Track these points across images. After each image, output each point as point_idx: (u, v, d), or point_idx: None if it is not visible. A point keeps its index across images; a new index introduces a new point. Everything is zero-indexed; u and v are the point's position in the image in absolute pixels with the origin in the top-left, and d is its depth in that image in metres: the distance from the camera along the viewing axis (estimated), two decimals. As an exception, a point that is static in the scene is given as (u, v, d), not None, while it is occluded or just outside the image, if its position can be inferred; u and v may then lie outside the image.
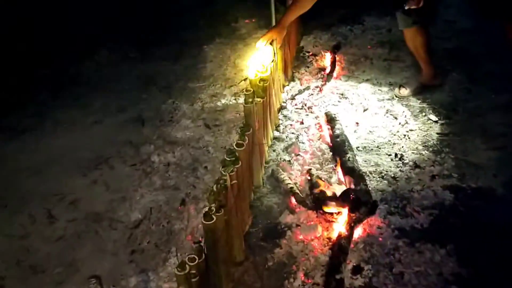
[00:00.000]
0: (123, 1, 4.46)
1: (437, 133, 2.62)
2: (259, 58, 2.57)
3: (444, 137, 2.58)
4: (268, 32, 2.65)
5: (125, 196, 2.42)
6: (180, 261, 1.62)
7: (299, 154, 2.55)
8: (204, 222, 1.67)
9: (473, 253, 1.92)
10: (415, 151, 2.51)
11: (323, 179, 2.29)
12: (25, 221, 2.33)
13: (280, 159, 2.53)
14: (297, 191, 2.25)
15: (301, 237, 2.05)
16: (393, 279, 1.84)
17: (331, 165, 2.45)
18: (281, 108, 2.94)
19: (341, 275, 1.82)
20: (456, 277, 1.83)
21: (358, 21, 3.91)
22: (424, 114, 2.78)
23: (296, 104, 2.98)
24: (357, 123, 2.76)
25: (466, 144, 2.51)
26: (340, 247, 1.92)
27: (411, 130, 2.66)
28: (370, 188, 2.22)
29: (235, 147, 1.99)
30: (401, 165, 2.42)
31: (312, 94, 3.07)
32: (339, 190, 2.18)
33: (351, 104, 2.94)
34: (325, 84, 3.15)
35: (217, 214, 1.68)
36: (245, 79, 3.25)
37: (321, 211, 2.13)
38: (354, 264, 1.90)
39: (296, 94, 3.08)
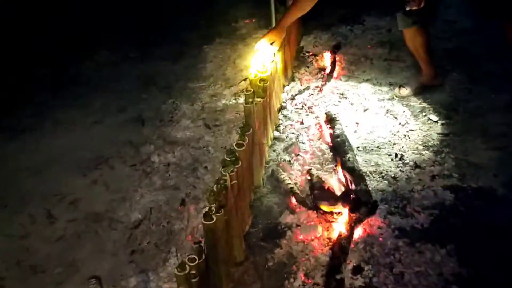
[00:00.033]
0: (123, 1, 4.46)
1: (438, 133, 2.62)
2: (259, 58, 2.57)
3: (445, 137, 2.58)
4: (268, 34, 2.65)
5: (125, 196, 2.41)
6: (180, 261, 1.62)
7: (299, 154, 2.55)
8: (204, 222, 1.67)
9: (474, 253, 1.92)
10: (415, 151, 2.50)
11: (323, 179, 2.29)
12: (25, 221, 2.33)
13: (280, 159, 2.53)
14: (297, 191, 2.25)
15: (301, 237, 2.05)
16: (393, 279, 1.84)
17: (331, 165, 2.44)
18: (281, 108, 2.94)
19: (342, 275, 1.81)
20: (456, 277, 1.83)
21: (358, 21, 3.90)
22: (424, 114, 2.78)
23: (296, 104, 2.98)
24: (357, 123, 2.76)
25: (466, 144, 2.51)
26: (340, 247, 1.92)
27: (412, 130, 2.66)
28: (370, 188, 2.22)
29: (235, 147, 1.99)
30: (402, 165, 2.42)
31: (312, 94, 3.06)
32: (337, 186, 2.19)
33: (351, 104, 2.94)
34: (325, 84, 3.14)
35: (217, 214, 1.68)
36: (245, 79, 3.25)
37: (321, 211, 2.13)
38: (355, 264, 1.90)
39: (296, 94, 3.08)
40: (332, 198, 2.14)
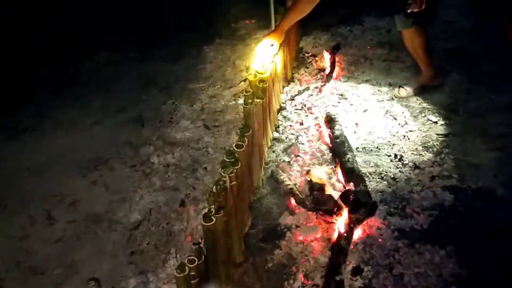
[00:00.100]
0: (123, 1, 4.46)
1: (437, 134, 2.62)
2: (258, 60, 2.57)
3: (444, 138, 2.58)
4: (267, 36, 2.65)
5: (124, 197, 2.42)
6: (179, 262, 1.63)
7: (298, 155, 2.55)
8: (203, 223, 1.67)
9: (473, 254, 1.92)
10: (414, 152, 2.50)
11: (322, 179, 2.29)
12: (25, 222, 2.34)
13: (280, 160, 2.53)
14: (297, 192, 2.25)
15: (300, 238, 2.05)
16: (392, 280, 1.84)
17: (331, 166, 2.44)
18: (281, 109, 2.94)
19: (341, 276, 1.82)
20: (456, 278, 1.83)
21: (357, 22, 3.90)
22: (424, 114, 2.78)
23: (295, 105, 2.98)
24: (356, 123, 2.76)
25: (466, 145, 2.51)
26: (339, 248, 1.92)
27: (411, 131, 2.66)
28: (369, 189, 2.22)
29: (234, 148, 1.99)
30: (401, 166, 2.42)
31: (311, 95, 3.06)
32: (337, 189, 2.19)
33: (351, 104, 2.94)
34: (324, 84, 3.14)
35: (216, 215, 1.68)
36: (244, 80, 3.25)
37: (320, 212, 2.13)
38: (354, 265, 1.90)
39: (295, 95, 3.08)
40: (331, 199, 2.14)
